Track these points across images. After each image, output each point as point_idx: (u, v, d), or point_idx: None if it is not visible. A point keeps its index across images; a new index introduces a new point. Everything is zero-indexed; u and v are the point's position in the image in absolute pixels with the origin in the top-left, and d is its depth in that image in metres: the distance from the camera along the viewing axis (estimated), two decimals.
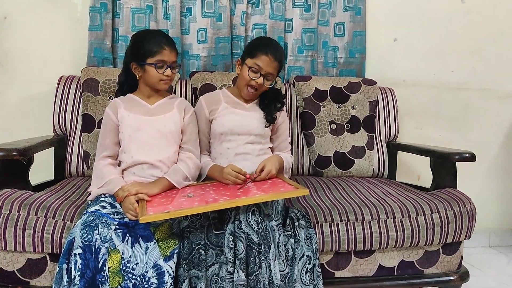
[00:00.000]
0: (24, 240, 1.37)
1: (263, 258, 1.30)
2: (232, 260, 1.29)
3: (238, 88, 1.66)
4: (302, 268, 1.43)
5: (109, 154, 1.51)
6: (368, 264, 1.57)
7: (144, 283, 1.24)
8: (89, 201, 1.46)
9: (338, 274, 1.55)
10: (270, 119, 1.64)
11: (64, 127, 1.95)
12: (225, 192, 1.38)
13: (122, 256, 1.25)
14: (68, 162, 1.92)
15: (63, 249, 1.31)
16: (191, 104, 1.95)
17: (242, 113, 1.64)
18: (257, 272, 1.29)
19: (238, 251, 1.29)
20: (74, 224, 1.37)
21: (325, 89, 2.12)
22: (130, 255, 1.26)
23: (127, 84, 1.59)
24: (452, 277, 1.63)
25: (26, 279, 1.41)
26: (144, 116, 1.53)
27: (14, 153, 1.46)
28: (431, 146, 1.96)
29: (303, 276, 1.43)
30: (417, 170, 2.43)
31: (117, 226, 1.29)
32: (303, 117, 2.10)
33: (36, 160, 1.66)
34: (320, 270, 1.45)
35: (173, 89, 2.00)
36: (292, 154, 1.79)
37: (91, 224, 1.26)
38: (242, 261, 1.28)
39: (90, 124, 1.91)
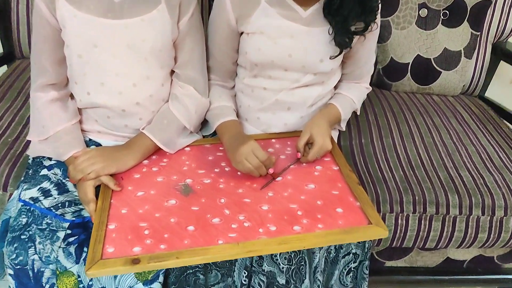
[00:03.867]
0: None
1: None
2: None
3: None
4: (344, 267, 1.01)
5: (50, 82, 0.89)
6: (433, 256, 1.14)
7: None
8: (30, 158, 0.93)
9: (389, 263, 1.14)
10: (343, 43, 0.88)
11: None
12: (244, 192, 0.82)
13: (79, 279, 0.81)
14: (16, 37, 1.28)
15: None
16: None
17: (294, 30, 0.89)
18: None
19: None
20: (10, 196, 0.88)
21: None
22: (92, 279, 0.81)
23: None
24: None
25: None
26: (104, 19, 0.83)
27: None
28: None
29: (342, 277, 1.02)
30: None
31: (68, 231, 0.80)
32: None
33: None
34: (367, 272, 1.02)
35: None
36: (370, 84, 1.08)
37: (22, 237, 0.77)
38: None
39: None
